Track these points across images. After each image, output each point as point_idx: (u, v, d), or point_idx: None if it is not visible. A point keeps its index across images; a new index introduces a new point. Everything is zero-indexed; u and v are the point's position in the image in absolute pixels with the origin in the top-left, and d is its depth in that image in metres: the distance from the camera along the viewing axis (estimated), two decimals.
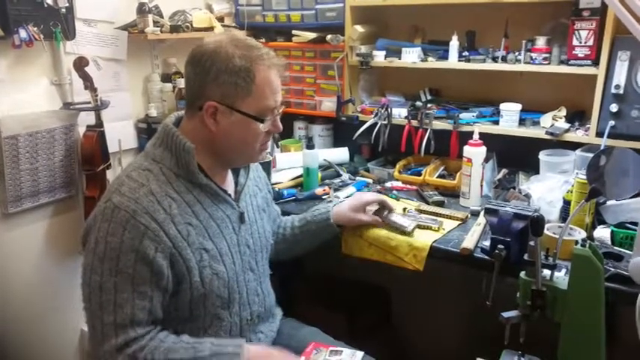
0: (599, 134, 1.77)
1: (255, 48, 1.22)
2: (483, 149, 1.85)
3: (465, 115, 2.07)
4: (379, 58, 2.21)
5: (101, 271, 1.15)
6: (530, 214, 1.33)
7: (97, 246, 1.16)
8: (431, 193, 1.97)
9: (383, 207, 1.68)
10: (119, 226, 1.14)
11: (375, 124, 2.20)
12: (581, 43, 1.77)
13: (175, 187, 1.22)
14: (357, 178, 2.20)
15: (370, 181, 2.17)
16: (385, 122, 2.19)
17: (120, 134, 2.22)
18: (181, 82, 2.26)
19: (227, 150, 1.27)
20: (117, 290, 1.14)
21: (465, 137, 1.91)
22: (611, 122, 1.74)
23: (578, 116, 1.94)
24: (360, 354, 1.34)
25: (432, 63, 2.10)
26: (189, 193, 1.23)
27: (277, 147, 2.36)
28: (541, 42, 1.86)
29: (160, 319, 1.21)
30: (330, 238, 1.63)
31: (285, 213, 1.74)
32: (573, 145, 1.86)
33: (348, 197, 1.96)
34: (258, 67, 1.20)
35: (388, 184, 2.10)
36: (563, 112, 1.95)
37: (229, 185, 1.37)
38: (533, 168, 1.93)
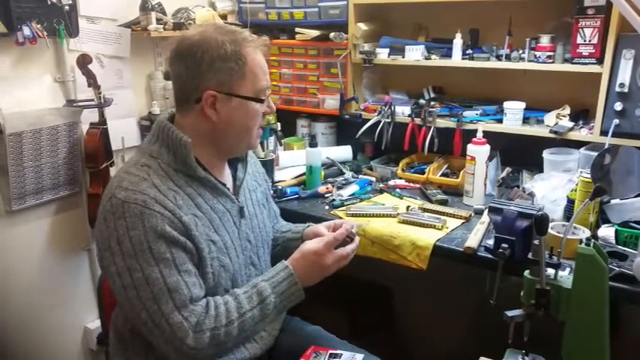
0: (604, 133, 1.76)
1: (237, 32, 1.24)
2: (487, 147, 1.84)
3: (468, 114, 2.06)
4: (382, 55, 2.20)
5: (140, 267, 1.12)
6: (534, 212, 1.32)
7: (122, 245, 1.13)
8: (434, 191, 1.97)
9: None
10: (136, 219, 1.12)
11: (379, 122, 2.20)
12: (585, 41, 1.76)
13: (175, 180, 1.21)
14: (360, 176, 2.20)
15: (373, 179, 2.17)
16: (388, 120, 2.19)
17: (123, 132, 2.22)
18: None
19: (228, 138, 1.27)
20: (164, 277, 1.13)
21: (469, 135, 1.91)
22: (616, 121, 1.73)
23: (582, 115, 1.93)
24: (359, 357, 1.32)
25: (436, 61, 2.09)
26: (189, 186, 1.23)
27: (280, 145, 2.35)
28: (545, 40, 1.85)
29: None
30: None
31: (288, 211, 1.75)
32: (577, 144, 1.85)
33: (350, 195, 1.97)
34: (246, 49, 1.21)
35: (391, 183, 2.10)
36: (567, 110, 1.95)
37: (227, 179, 1.36)
38: (537, 166, 1.93)
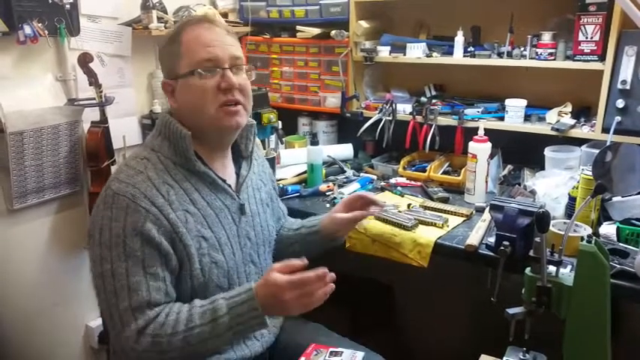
0: (605, 130, 1.76)
1: (189, 19, 1.29)
2: (488, 145, 1.84)
3: (469, 111, 2.06)
4: (384, 53, 2.20)
5: (110, 259, 1.15)
6: (535, 210, 1.32)
7: (102, 235, 1.16)
8: (435, 189, 1.97)
9: (371, 203, 1.54)
10: (121, 211, 1.15)
11: (380, 120, 2.19)
12: (587, 38, 1.76)
13: (173, 174, 1.23)
14: (362, 174, 2.20)
15: (374, 177, 2.17)
16: (390, 118, 2.18)
17: (124, 130, 2.22)
18: None
19: (194, 122, 1.25)
20: (129, 274, 1.14)
21: (470, 133, 1.91)
22: (618, 118, 1.73)
23: (583, 112, 1.93)
24: (360, 354, 1.32)
25: (437, 58, 2.09)
26: (186, 181, 1.24)
27: (282, 143, 2.35)
28: (547, 37, 1.85)
29: (175, 298, 1.21)
30: (321, 247, 1.55)
31: (289, 209, 1.74)
32: (579, 141, 1.85)
33: (351, 193, 1.96)
34: (185, 29, 1.24)
35: (392, 181, 2.09)
36: (568, 107, 1.94)
37: (230, 176, 1.37)
38: (538, 164, 1.92)
